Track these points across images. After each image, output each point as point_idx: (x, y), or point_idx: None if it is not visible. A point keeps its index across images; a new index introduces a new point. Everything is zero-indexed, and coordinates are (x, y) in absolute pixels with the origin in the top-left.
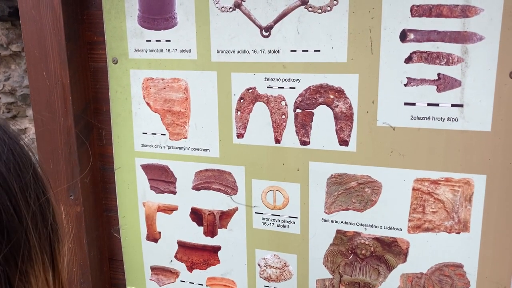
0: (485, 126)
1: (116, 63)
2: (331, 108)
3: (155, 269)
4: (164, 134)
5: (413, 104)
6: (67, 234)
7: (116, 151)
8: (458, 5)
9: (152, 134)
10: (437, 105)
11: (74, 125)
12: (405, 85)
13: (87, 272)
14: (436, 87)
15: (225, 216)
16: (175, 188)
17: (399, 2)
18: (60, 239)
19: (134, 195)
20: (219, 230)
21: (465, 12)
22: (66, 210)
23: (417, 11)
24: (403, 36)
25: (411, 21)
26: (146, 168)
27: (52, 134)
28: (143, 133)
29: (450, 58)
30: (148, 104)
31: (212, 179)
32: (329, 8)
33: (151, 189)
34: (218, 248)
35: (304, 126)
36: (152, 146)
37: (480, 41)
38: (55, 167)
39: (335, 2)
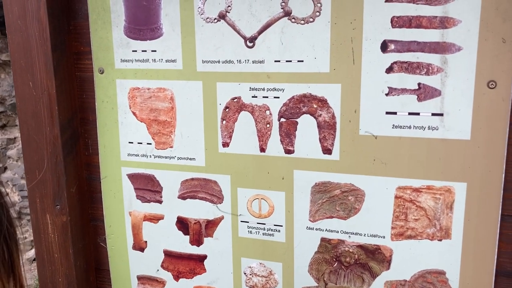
0: (464, 134)
1: (102, 73)
2: (315, 117)
3: (142, 279)
4: (150, 144)
5: (395, 113)
6: (54, 242)
7: (102, 160)
8: (436, 17)
9: (138, 143)
10: (418, 114)
11: (60, 135)
12: (387, 94)
13: (73, 282)
14: (416, 96)
15: (211, 225)
16: (161, 197)
17: (380, 13)
18: (19, 243)
19: (120, 204)
20: (205, 239)
21: (444, 23)
22: (52, 220)
23: (397, 22)
24: (384, 47)
25: (392, 32)
26: (132, 177)
27: (38, 144)
28: (129, 142)
29: (430, 68)
30: (134, 113)
31: (198, 188)
32: (311, 19)
33: (137, 198)
34: (204, 257)
35: (288, 135)
36: (138, 155)
37: (458, 52)
38: (41, 177)
39: (317, 13)
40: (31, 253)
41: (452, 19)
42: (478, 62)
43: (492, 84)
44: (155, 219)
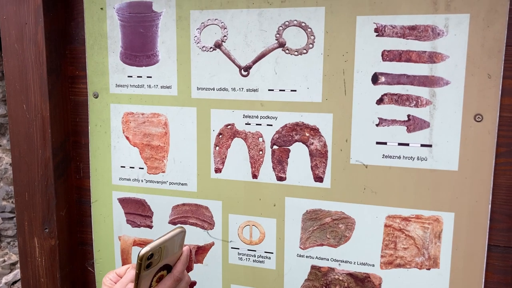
0: (452, 165)
1: (97, 97)
2: (307, 145)
3: None
4: (142, 168)
5: (385, 143)
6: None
7: (94, 184)
8: (425, 52)
9: (130, 167)
10: (407, 144)
11: (52, 158)
12: (377, 125)
13: None
14: (406, 127)
15: (201, 251)
16: (151, 222)
17: (371, 47)
18: None
19: (110, 228)
20: (195, 265)
21: (432, 58)
22: (40, 243)
23: (388, 56)
24: (375, 79)
25: (382, 65)
26: (123, 201)
27: (29, 166)
28: (121, 166)
29: (419, 100)
30: (127, 138)
31: (189, 214)
32: (305, 51)
33: (127, 223)
34: (194, 283)
35: (280, 162)
36: (129, 179)
37: (446, 85)
38: (30, 200)
39: (310, 45)
40: (10, 276)
41: (440, 54)
42: (465, 96)
43: (478, 117)
44: (145, 244)
